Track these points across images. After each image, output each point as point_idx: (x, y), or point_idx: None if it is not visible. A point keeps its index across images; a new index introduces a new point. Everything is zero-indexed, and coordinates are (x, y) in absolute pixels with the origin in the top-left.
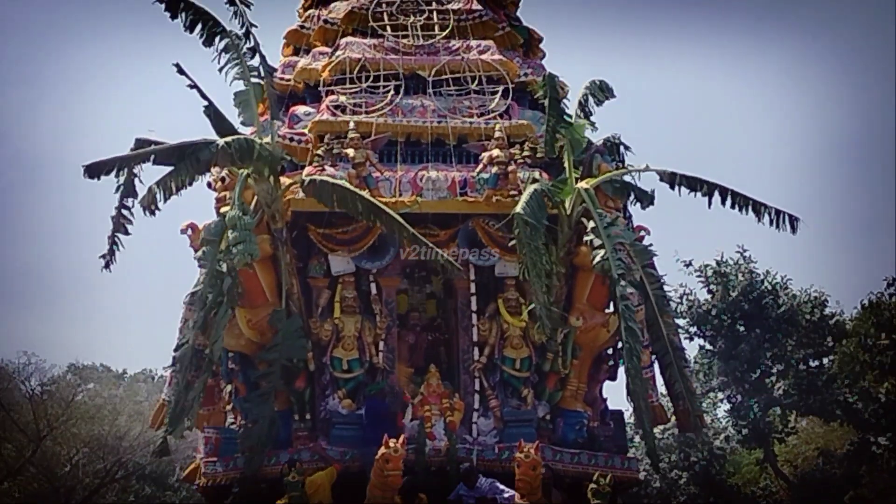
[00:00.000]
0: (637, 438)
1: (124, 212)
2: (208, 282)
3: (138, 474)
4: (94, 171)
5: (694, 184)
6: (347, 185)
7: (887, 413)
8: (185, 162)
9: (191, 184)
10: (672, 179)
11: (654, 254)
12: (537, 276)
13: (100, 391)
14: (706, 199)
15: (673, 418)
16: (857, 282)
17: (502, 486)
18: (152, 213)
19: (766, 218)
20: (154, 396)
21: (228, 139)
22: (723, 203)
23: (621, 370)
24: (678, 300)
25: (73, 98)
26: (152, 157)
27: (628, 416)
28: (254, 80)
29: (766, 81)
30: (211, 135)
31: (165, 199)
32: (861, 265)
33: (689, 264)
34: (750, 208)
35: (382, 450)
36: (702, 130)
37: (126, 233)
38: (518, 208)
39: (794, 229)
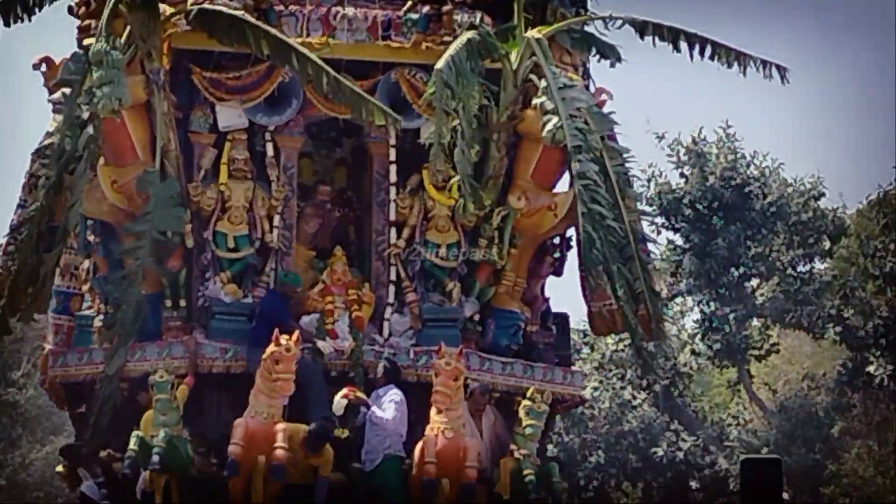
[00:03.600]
0: (584, 350)
1: None
2: (65, 131)
3: None
4: None
5: (669, 34)
6: (246, 16)
7: (889, 331)
8: None
9: (50, 3)
10: (643, 28)
11: (616, 123)
12: (463, 145)
13: None
14: (682, 51)
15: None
16: (863, 172)
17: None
18: None
19: (753, 69)
20: None
21: None
22: (701, 54)
23: (568, 265)
24: (644, 183)
25: None
26: None
27: (575, 320)
28: None
29: None
30: None
31: (8, 22)
32: (869, 152)
33: (660, 138)
34: (734, 59)
35: (272, 347)
36: None
37: None
38: (440, 63)
39: (783, 79)
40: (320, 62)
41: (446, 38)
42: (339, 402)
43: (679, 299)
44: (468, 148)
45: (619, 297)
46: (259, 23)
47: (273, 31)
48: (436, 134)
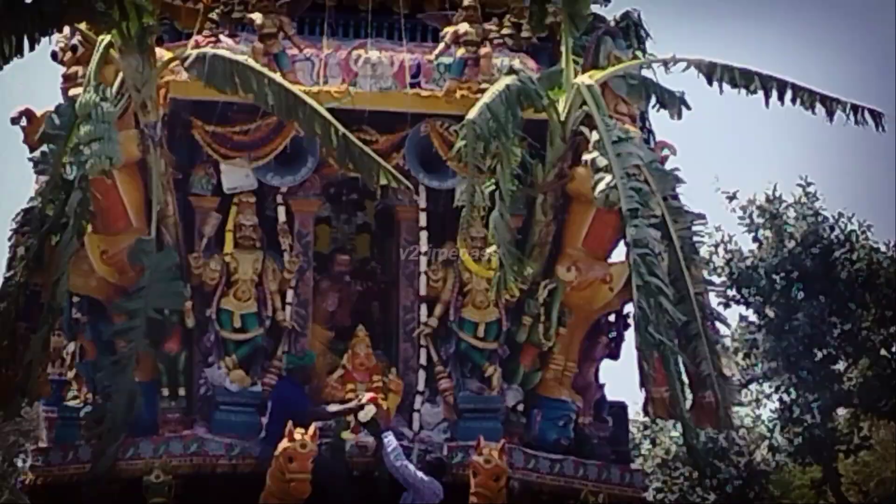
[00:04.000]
0: (646, 444)
1: None
2: (48, 194)
3: None
4: None
5: (742, 77)
6: (251, 62)
7: None
8: (20, 15)
9: (31, 49)
10: (711, 72)
11: (682, 181)
12: (502, 208)
13: None
14: (757, 96)
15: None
16: None
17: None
18: None
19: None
20: None
21: None
22: (780, 98)
23: (627, 344)
24: (712, 249)
25: None
26: None
27: (634, 410)
28: None
29: None
30: None
31: None
32: None
33: (731, 198)
34: (818, 104)
35: (284, 443)
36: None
37: None
38: (472, 112)
39: (878, 126)
40: (328, 116)
41: (484, 86)
42: (368, 408)
43: (753, 386)
44: (507, 211)
45: (674, 382)
46: (264, 70)
47: (279, 79)
48: (468, 195)
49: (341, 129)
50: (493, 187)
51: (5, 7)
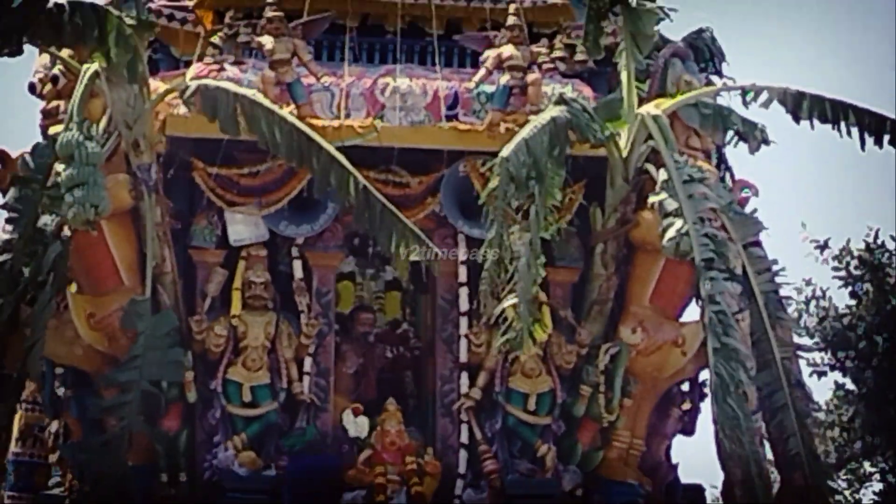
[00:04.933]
0: None
1: None
2: (22, 248)
3: None
4: None
5: (833, 111)
6: (259, 97)
7: None
8: None
9: None
10: (797, 103)
11: (763, 227)
12: (530, 258)
13: None
14: (850, 133)
15: None
16: None
17: None
18: None
19: None
20: None
21: (63, 1)
22: (878, 140)
23: (703, 417)
24: (802, 305)
25: None
26: None
27: (713, 495)
28: None
29: None
30: None
31: None
32: None
33: (822, 247)
34: None
35: None
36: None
37: None
38: (507, 149)
39: None
40: (346, 163)
41: (533, 118)
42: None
43: (852, 465)
44: (536, 264)
45: (757, 462)
46: (273, 106)
47: (290, 118)
48: (494, 244)
49: (361, 179)
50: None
51: None
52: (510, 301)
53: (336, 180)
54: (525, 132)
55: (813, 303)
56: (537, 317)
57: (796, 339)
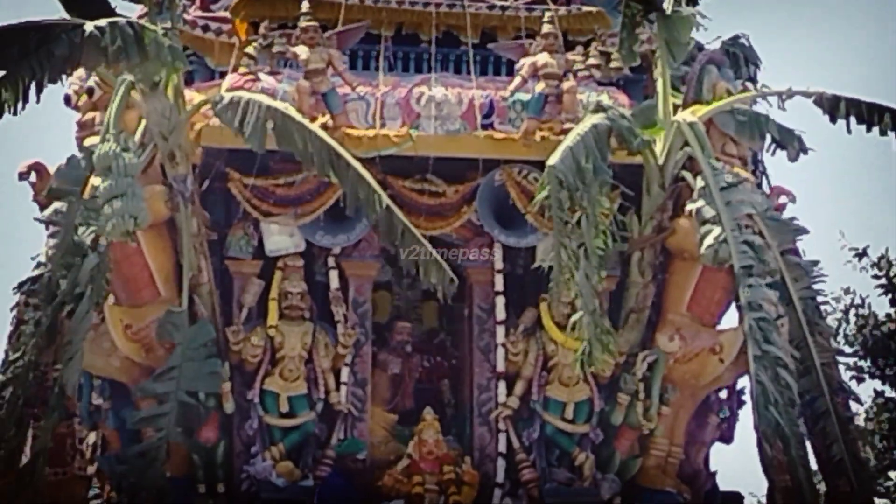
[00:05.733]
0: None
1: None
2: (59, 259)
3: None
4: None
5: (870, 113)
6: (292, 111)
7: None
8: (25, 59)
9: (37, 95)
10: (834, 107)
11: (803, 231)
12: (588, 268)
13: None
14: (886, 133)
15: None
16: None
17: None
18: None
19: None
20: None
21: (101, 23)
22: None
23: (742, 425)
24: (842, 313)
25: None
26: None
27: None
28: None
29: None
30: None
31: None
32: None
33: (861, 254)
34: None
35: None
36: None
37: None
38: (554, 157)
39: None
40: (372, 182)
41: (568, 126)
42: None
43: (893, 472)
44: (595, 273)
45: (799, 470)
46: (304, 121)
47: (320, 132)
48: (556, 253)
49: (385, 198)
50: (579, 245)
51: (15, 52)
52: (577, 316)
53: (364, 196)
54: (569, 140)
55: (853, 311)
56: (605, 328)
57: (836, 346)
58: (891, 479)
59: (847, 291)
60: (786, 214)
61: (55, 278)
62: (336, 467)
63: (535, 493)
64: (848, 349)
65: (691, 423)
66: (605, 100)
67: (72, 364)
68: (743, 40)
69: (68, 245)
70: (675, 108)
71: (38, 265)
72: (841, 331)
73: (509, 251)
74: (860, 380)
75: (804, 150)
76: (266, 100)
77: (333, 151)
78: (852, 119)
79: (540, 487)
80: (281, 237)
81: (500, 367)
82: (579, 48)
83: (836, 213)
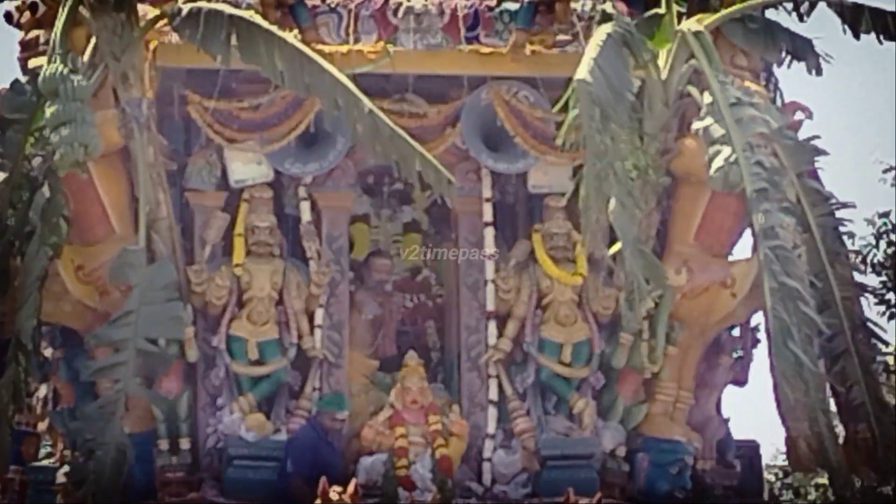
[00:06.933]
0: (787, 495)
1: None
2: (7, 196)
3: None
4: None
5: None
6: (258, 19)
7: None
8: None
9: None
10: (856, 17)
11: (822, 152)
12: (623, 195)
13: None
14: None
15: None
16: None
17: None
18: None
19: None
20: None
21: None
22: None
23: (757, 365)
24: (870, 242)
25: None
26: None
27: (769, 452)
28: None
29: None
30: None
31: None
32: None
33: (888, 169)
34: None
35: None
36: None
37: None
38: (581, 71)
39: None
40: (350, 86)
41: (561, 38)
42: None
43: None
44: (631, 201)
45: (818, 415)
46: (273, 28)
47: (291, 40)
48: (589, 176)
49: (367, 103)
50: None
51: None
52: (614, 248)
53: (344, 104)
54: (591, 51)
55: (884, 238)
56: (654, 262)
57: (862, 279)
58: None
59: (882, 215)
60: (803, 133)
61: (3, 216)
62: (312, 423)
63: (531, 445)
64: (875, 280)
65: (701, 365)
66: (608, 8)
67: (25, 310)
68: None
69: (16, 180)
70: (680, 16)
71: None
72: (868, 260)
73: (498, 178)
74: (891, 317)
75: (825, 59)
76: (228, 9)
77: (306, 58)
78: (877, 32)
79: (535, 438)
80: (247, 166)
81: (490, 305)
82: None
83: (857, 130)
